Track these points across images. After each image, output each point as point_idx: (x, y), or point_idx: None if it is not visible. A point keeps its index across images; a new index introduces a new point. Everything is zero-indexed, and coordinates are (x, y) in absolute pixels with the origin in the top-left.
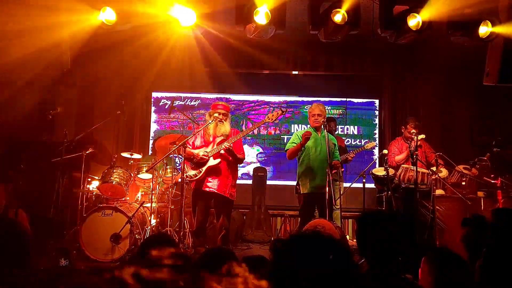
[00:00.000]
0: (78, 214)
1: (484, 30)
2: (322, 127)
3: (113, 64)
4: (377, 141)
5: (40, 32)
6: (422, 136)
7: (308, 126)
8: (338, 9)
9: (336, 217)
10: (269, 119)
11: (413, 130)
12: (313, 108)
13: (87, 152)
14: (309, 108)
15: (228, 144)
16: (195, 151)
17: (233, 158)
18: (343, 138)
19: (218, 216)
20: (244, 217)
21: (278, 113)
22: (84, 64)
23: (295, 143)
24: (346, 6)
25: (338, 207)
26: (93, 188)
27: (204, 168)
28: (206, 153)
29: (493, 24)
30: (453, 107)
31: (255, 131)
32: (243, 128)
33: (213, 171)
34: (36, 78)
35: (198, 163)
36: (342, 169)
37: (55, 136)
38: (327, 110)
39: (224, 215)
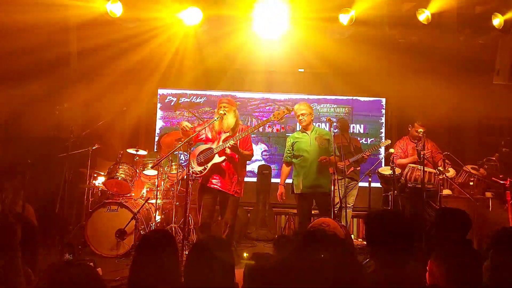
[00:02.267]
0: (83, 209)
1: (497, 21)
2: (328, 125)
3: (120, 61)
4: (383, 140)
5: (46, 10)
6: (421, 129)
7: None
8: None
9: (343, 216)
10: (275, 117)
11: (420, 129)
12: (296, 110)
13: (93, 148)
14: (293, 110)
15: (233, 142)
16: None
17: (239, 155)
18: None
19: (222, 213)
20: (248, 214)
21: (284, 112)
22: (91, 60)
23: (289, 152)
24: None
25: (347, 206)
26: (98, 183)
27: (209, 165)
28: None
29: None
30: (462, 106)
31: (260, 129)
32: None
33: (218, 168)
34: (43, 73)
35: (204, 159)
36: (358, 168)
37: (62, 131)
38: (333, 108)
39: (229, 212)
